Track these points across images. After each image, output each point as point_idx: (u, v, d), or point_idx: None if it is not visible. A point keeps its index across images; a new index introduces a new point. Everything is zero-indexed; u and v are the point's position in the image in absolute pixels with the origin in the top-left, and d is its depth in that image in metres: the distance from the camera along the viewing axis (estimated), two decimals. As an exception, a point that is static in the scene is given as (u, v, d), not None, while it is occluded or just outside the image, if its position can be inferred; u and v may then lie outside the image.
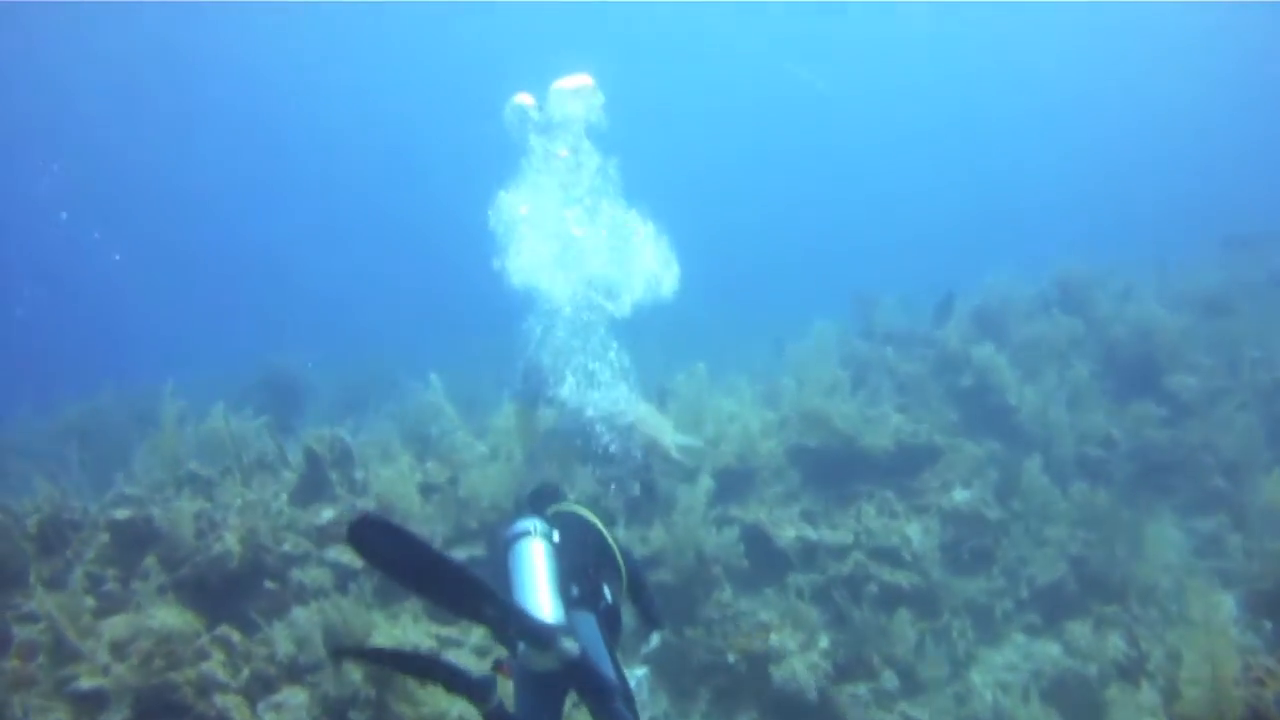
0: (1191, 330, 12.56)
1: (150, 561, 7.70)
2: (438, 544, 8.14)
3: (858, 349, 12.56)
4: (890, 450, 9.62)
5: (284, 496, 8.46)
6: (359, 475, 8.86)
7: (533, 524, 4.37)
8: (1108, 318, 12.84)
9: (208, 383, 13.52)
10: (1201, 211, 28.88)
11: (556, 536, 4.39)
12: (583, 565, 4.42)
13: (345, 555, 7.91)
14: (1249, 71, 45.40)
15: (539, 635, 3.72)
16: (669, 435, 7.57)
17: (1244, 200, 30.39)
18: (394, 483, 8.43)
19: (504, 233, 7.92)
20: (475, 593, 3.59)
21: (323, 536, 8.08)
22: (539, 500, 5.01)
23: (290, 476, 8.90)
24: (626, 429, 7.13)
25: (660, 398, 10.38)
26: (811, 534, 8.72)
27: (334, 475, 8.70)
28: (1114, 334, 12.39)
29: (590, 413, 7.08)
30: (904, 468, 9.66)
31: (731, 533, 8.26)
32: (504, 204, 7.98)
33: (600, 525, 4.73)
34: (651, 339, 11.48)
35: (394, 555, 3.42)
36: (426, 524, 8.31)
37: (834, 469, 9.61)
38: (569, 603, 4.10)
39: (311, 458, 8.62)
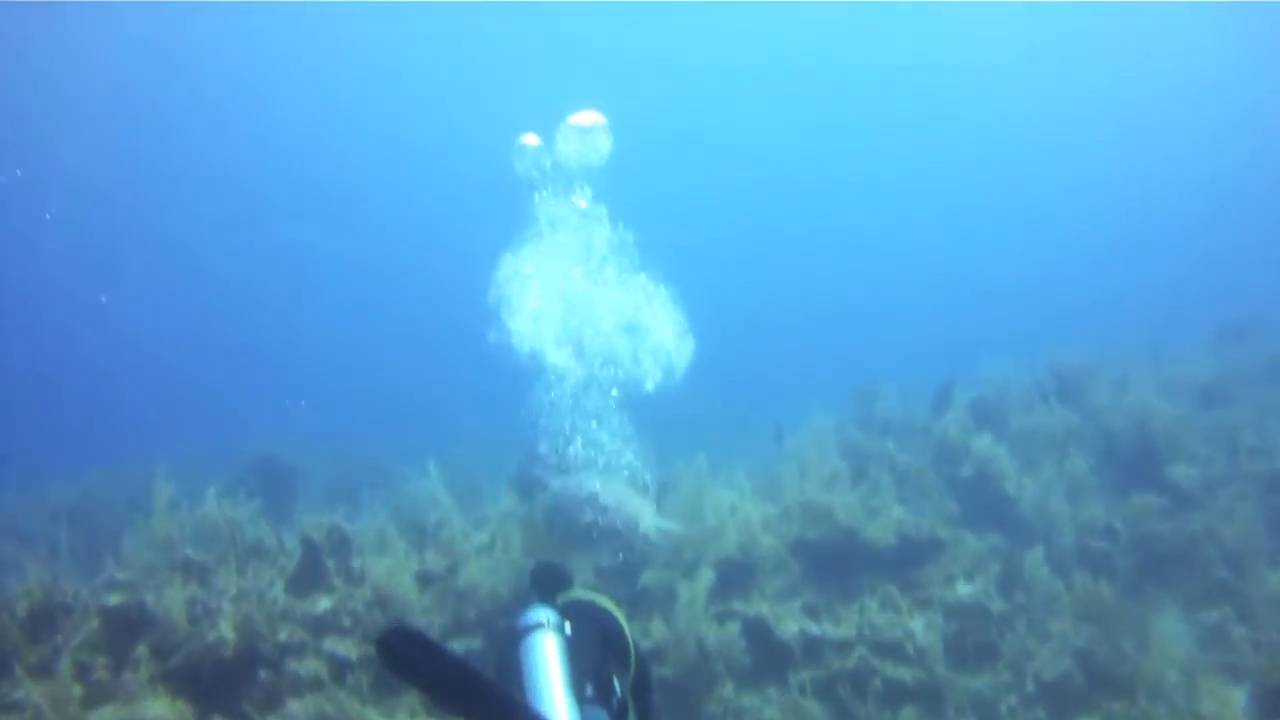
0: (1189, 420, 12.57)
1: (141, 650, 7.57)
2: (435, 634, 8.02)
3: (856, 439, 12.50)
4: (892, 543, 9.55)
5: (280, 584, 8.33)
6: (356, 564, 8.73)
7: (545, 615, 4.21)
8: (1105, 408, 12.85)
9: (198, 463, 13.42)
10: (1194, 296, 29.30)
11: (569, 628, 4.28)
12: (597, 661, 4.31)
13: (342, 646, 7.78)
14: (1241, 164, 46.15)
15: None
16: (649, 518, 7.58)
17: (1236, 286, 30.75)
18: (391, 572, 8.33)
19: (507, 297, 7.94)
20: (506, 709, 3.48)
21: (319, 626, 7.94)
22: (545, 584, 4.87)
23: (287, 564, 8.78)
24: (606, 509, 7.23)
25: (660, 489, 10.36)
26: (814, 628, 8.60)
27: (331, 564, 8.57)
28: (1112, 424, 12.37)
29: (575, 494, 7.27)
30: (906, 560, 9.57)
31: (733, 627, 8.15)
32: (508, 266, 8.01)
33: (617, 613, 4.63)
34: (646, 421, 11.52)
35: (424, 669, 3.28)
36: (424, 615, 8.19)
37: (836, 562, 9.52)
38: (582, 701, 3.99)
39: (309, 545, 8.51)
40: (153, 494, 9.19)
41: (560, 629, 4.18)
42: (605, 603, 4.65)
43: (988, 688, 8.49)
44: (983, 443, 11.47)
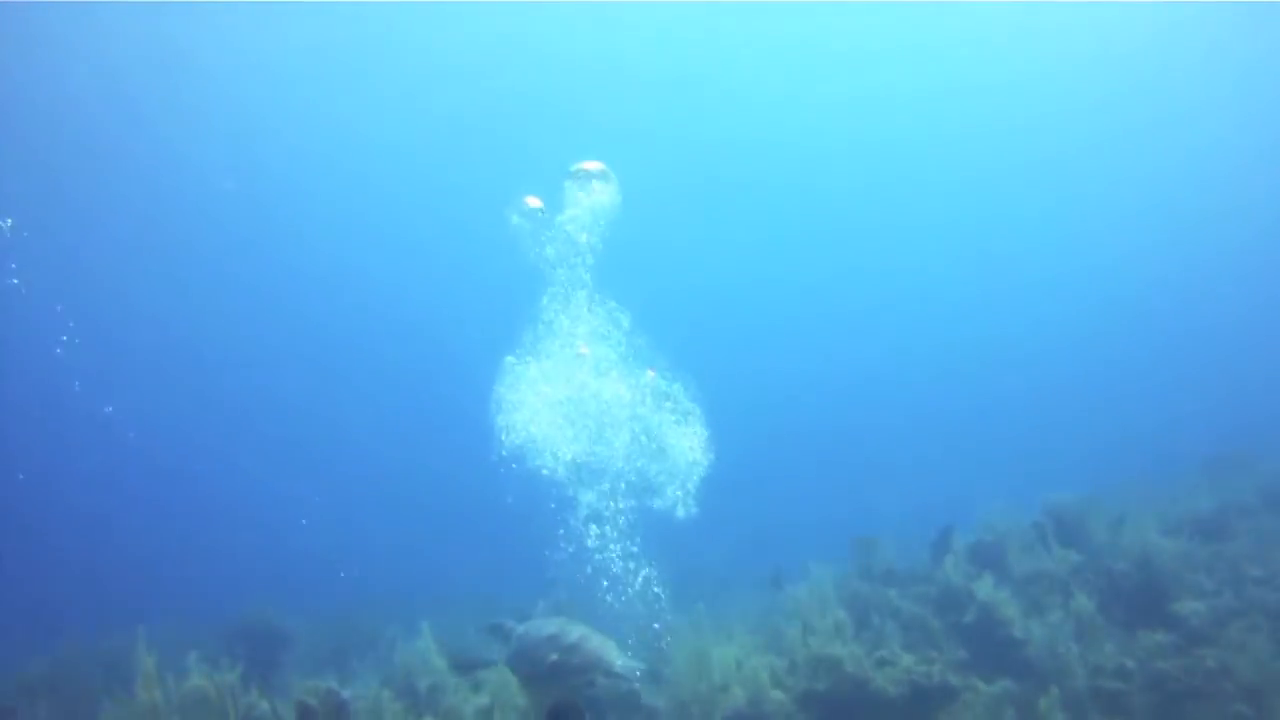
0: (1191, 554, 12.44)
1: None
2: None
3: (858, 589, 12.32)
4: (904, 692, 9.28)
5: (273, 758, 8.02)
6: (352, 733, 8.42)
7: None
8: (1105, 547, 12.75)
9: (176, 628, 13.07)
10: (1176, 429, 29.46)
11: None
12: None
13: (340, 822, 7.45)
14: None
15: None
16: (613, 654, 7.44)
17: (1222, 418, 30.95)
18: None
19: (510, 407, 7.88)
20: None
21: (316, 801, 7.60)
22: None
23: (280, 735, 8.48)
24: (568, 648, 7.31)
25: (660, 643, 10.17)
26: (829, 785, 8.29)
27: (326, 733, 8.27)
28: (1114, 564, 12.23)
29: (537, 635, 7.45)
30: (918, 710, 9.27)
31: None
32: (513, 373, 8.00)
33: None
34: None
35: None
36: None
37: (846, 714, 9.23)
38: None
39: (304, 713, 8.21)
40: (131, 663, 8.89)
41: None
42: None
43: (1014, 842, 8.12)
44: (985, 588, 11.30)
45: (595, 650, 7.42)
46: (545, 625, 7.65)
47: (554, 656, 7.35)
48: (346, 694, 8.74)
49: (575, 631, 7.51)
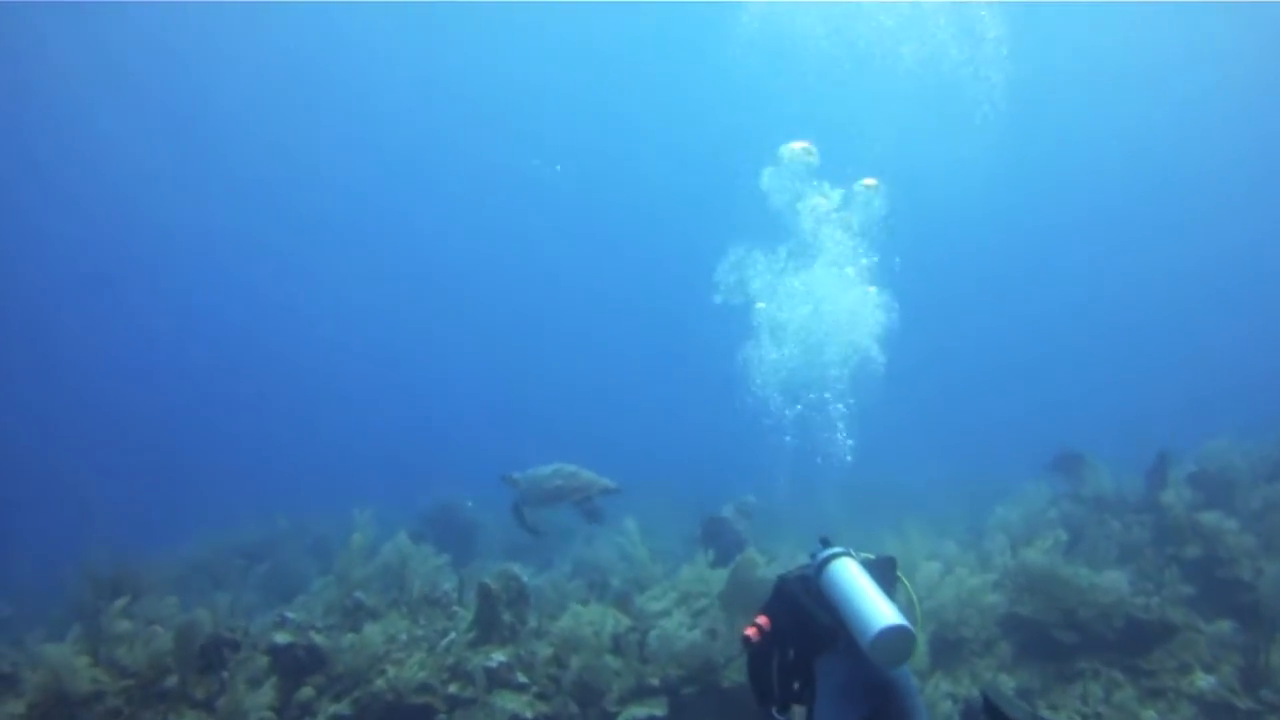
0: None
1: (307, 692, 7.32)
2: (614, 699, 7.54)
3: (1070, 512, 11.48)
4: (1117, 624, 8.57)
5: (453, 635, 7.96)
6: (534, 619, 8.31)
7: (840, 548, 4.26)
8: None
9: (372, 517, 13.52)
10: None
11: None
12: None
13: (513, 702, 7.32)
14: None
15: None
16: (604, 479, 9.66)
17: None
18: (575, 629, 7.84)
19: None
20: None
21: (492, 680, 7.50)
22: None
23: (462, 614, 8.45)
24: (568, 476, 9.51)
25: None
26: (1031, 714, 7.69)
27: (507, 616, 8.17)
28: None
29: (541, 471, 9.60)
30: (1132, 645, 8.58)
31: (946, 707, 7.36)
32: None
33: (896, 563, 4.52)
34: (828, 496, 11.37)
35: None
36: (607, 677, 7.63)
37: (1052, 641, 8.60)
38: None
39: (485, 595, 8.14)
40: (336, 537, 9.21)
41: (856, 559, 4.20)
42: (881, 556, 4.53)
43: (1236, 796, 7.39)
44: (1212, 519, 10.33)
45: (589, 477, 9.60)
46: (544, 467, 9.70)
47: (558, 482, 9.50)
48: (527, 581, 8.69)
49: (570, 467, 9.65)
